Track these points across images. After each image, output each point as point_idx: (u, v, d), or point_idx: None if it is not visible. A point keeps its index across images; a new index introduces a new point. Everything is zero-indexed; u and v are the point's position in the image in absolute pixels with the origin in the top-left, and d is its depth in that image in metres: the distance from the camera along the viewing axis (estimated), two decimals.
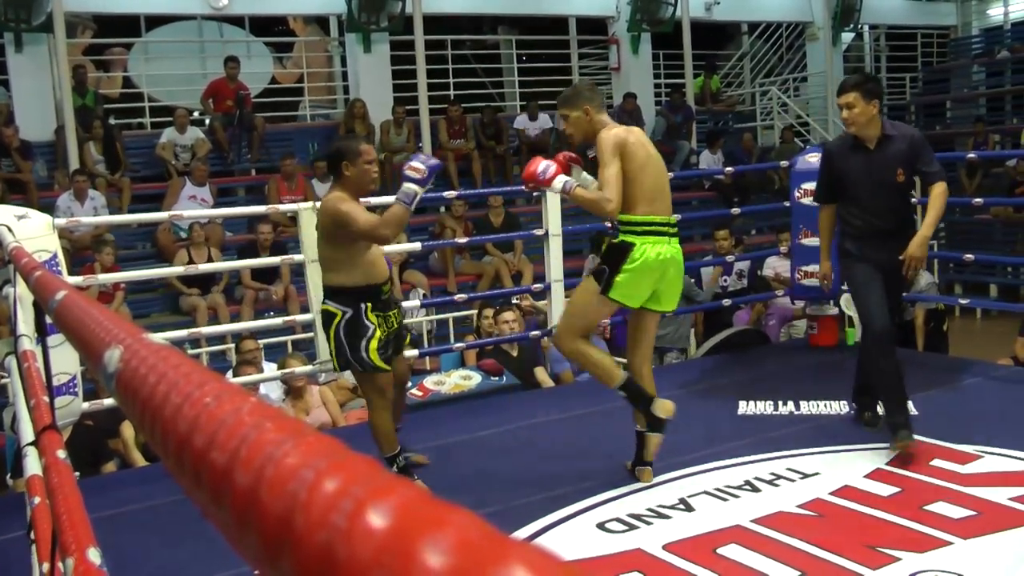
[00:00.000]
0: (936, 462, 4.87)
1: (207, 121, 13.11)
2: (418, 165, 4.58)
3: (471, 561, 0.33)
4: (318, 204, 5.29)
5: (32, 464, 2.52)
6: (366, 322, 4.73)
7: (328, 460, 0.42)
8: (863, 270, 5.20)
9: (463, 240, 8.93)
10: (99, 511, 3.22)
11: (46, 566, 1.99)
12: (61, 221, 5.96)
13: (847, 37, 17.77)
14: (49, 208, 8.98)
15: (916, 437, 5.17)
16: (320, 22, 15.72)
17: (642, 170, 4.68)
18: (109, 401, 5.90)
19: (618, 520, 4.37)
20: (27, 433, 2.82)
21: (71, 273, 6.71)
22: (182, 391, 0.59)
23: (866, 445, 5.19)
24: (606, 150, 4.61)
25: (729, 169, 10.70)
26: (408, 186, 4.55)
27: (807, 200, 7.52)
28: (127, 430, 6.48)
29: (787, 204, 7.88)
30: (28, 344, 3.20)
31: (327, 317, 4.77)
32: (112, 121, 12.44)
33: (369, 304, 4.74)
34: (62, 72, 11.38)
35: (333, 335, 4.74)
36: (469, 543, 0.34)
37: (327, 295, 4.81)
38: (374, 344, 4.74)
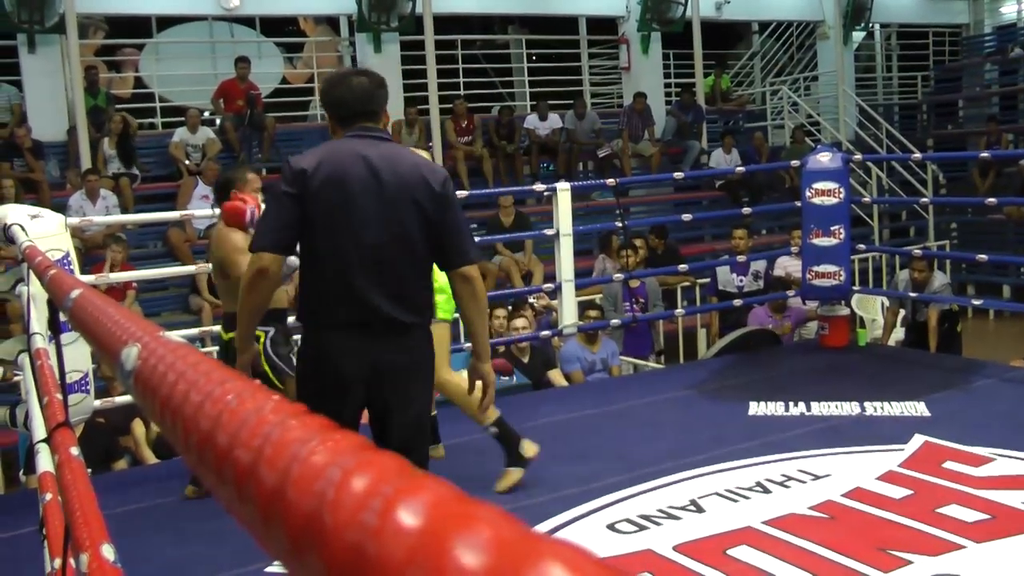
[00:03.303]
0: (949, 464, 4.85)
1: (218, 121, 13.13)
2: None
3: (507, 559, 0.33)
4: None
5: (44, 461, 2.53)
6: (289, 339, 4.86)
7: (355, 458, 0.42)
8: None
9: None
10: (109, 508, 3.23)
11: (58, 562, 1.99)
12: (73, 220, 5.98)
13: (858, 36, 17.67)
14: (61, 207, 8.99)
15: (929, 439, 5.16)
16: (330, 22, 15.73)
17: None
18: (121, 399, 5.92)
19: (628, 521, 4.36)
20: (39, 430, 2.83)
21: (83, 272, 6.72)
22: (202, 389, 0.59)
23: (878, 447, 5.17)
24: None
25: (740, 168, 10.67)
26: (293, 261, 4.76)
27: (818, 200, 7.52)
28: (138, 428, 6.50)
29: (798, 204, 7.86)
30: (41, 342, 3.21)
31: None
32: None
33: (281, 327, 4.89)
34: (74, 73, 11.42)
35: (263, 355, 4.73)
36: (503, 541, 0.34)
37: (231, 324, 4.74)
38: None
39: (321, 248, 3.22)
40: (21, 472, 6.32)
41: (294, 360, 4.76)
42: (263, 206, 4.86)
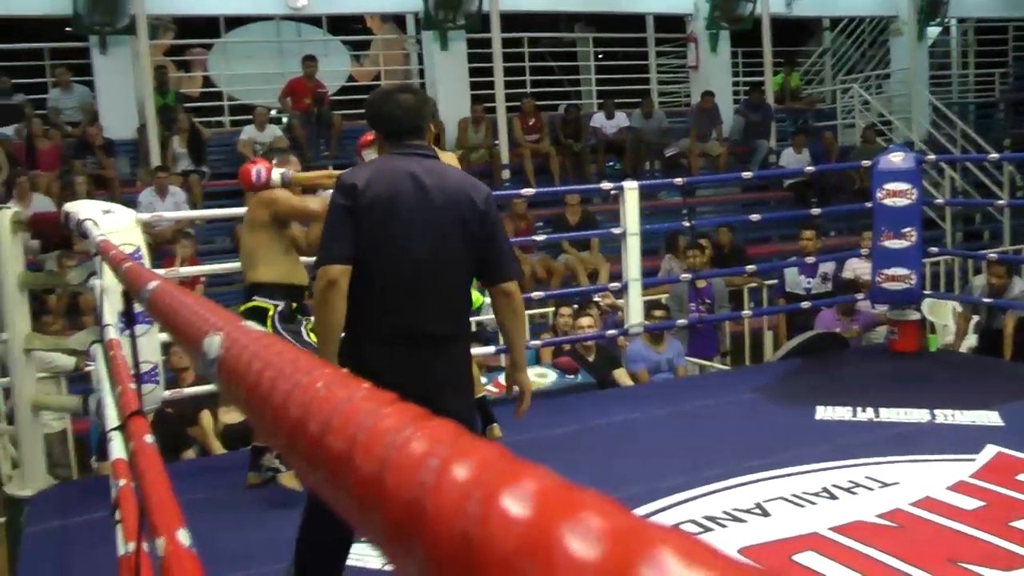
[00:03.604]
0: (1023, 476, 4.73)
1: (285, 119, 13.27)
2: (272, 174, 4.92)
3: (619, 548, 0.32)
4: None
5: (117, 448, 2.56)
6: (296, 317, 4.84)
7: (453, 446, 0.41)
8: None
9: (541, 238, 8.94)
10: (177, 496, 3.28)
11: (131, 546, 2.02)
12: (144, 216, 6.06)
13: (933, 31, 17.21)
14: (131, 203, 9.14)
15: (1002, 449, 5.04)
16: (397, 20, 15.82)
17: None
18: (189, 390, 6.01)
19: (692, 522, 4.33)
20: (112, 418, 2.87)
21: (153, 266, 6.82)
22: (290, 378, 0.59)
23: (948, 456, 5.07)
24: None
25: (810, 168, 10.53)
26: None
27: (889, 201, 7.41)
28: (206, 419, 6.58)
29: (869, 205, 7.75)
30: (114, 333, 3.26)
31: (258, 314, 4.75)
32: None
33: (294, 304, 4.86)
34: (144, 72, 11.66)
35: (272, 329, 4.72)
36: (615, 529, 0.33)
37: (253, 292, 4.85)
38: (310, 326, 4.84)
39: (368, 262, 3.31)
40: (93, 459, 6.45)
41: (304, 335, 4.81)
42: (281, 170, 4.94)
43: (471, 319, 3.77)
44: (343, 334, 3.43)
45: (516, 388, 3.72)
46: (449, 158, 4.82)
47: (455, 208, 3.33)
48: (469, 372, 3.58)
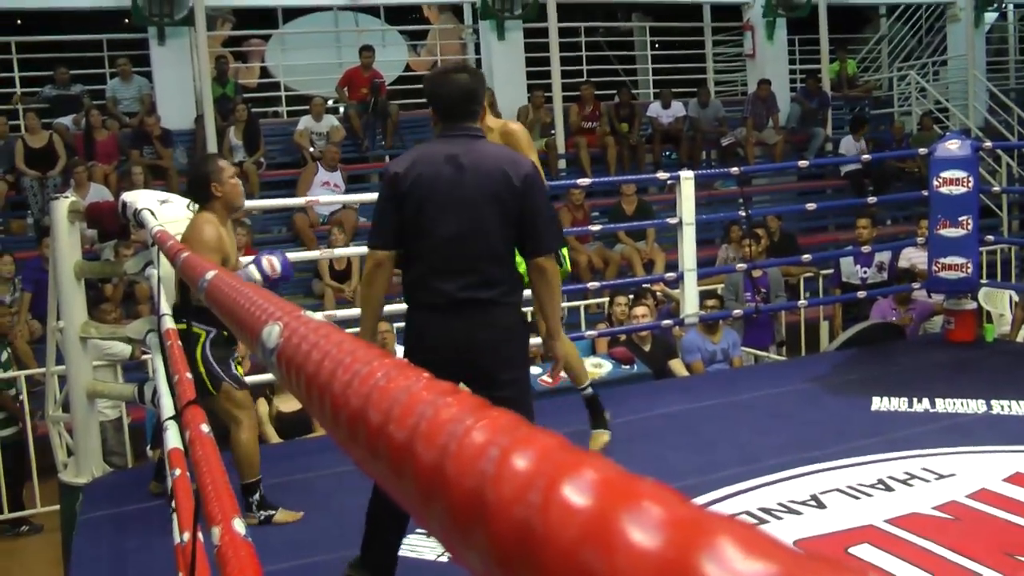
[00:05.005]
0: None
1: (342, 109, 13.35)
2: (278, 267, 4.73)
3: (679, 537, 0.33)
4: None
5: (172, 437, 2.59)
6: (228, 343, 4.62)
7: (512, 436, 0.42)
8: None
9: (597, 228, 8.92)
10: (232, 484, 3.31)
11: (187, 535, 2.05)
12: None
13: (990, 17, 16.96)
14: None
15: None
16: (454, 10, 15.84)
17: None
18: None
19: (748, 513, 4.31)
20: (168, 407, 2.91)
21: None
22: (349, 367, 0.60)
23: (1005, 447, 5.01)
24: (529, 141, 5.01)
25: (866, 156, 10.42)
26: (253, 272, 4.66)
27: (946, 189, 7.31)
28: (261, 407, 6.63)
29: (925, 193, 7.65)
30: (170, 322, 3.30)
31: (191, 339, 4.44)
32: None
33: (226, 332, 4.53)
34: (202, 63, 11.77)
35: (200, 356, 4.50)
36: (675, 519, 0.33)
37: (190, 316, 4.41)
38: (240, 357, 4.78)
39: (410, 240, 3.64)
40: (148, 447, 6.53)
41: (232, 366, 4.65)
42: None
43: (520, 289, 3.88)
44: (406, 303, 3.76)
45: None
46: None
47: (490, 186, 3.58)
48: (516, 339, 3.78)
